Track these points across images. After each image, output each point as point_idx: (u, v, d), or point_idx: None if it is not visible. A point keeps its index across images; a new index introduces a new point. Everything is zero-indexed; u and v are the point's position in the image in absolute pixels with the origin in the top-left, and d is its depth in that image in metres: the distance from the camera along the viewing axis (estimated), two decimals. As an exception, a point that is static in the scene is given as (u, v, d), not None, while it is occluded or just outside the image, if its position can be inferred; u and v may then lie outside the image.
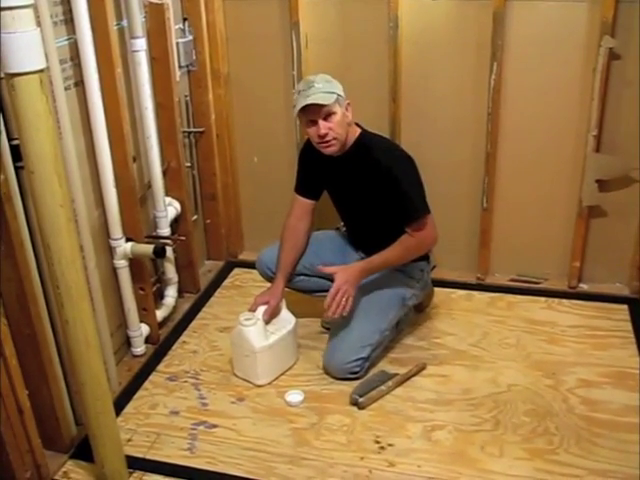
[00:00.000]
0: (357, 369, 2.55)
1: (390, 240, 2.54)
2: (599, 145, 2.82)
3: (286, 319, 2.68)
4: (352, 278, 2.48)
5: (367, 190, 2.57)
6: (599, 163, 2.83)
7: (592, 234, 3.01)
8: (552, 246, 3.10)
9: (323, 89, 2.43)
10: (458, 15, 2.80)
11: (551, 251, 3.11)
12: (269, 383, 2.59)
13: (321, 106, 2.41)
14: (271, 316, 2.63)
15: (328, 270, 2.52)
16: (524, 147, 2.95)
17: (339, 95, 2.46)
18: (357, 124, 2.61)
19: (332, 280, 2.67)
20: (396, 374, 2.56)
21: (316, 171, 2.67)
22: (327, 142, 2.48)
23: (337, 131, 2.48)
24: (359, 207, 2.68)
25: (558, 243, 3.08)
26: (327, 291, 2.72)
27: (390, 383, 2.51)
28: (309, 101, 2.42)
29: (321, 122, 2.44)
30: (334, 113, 2.45)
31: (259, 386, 2.59)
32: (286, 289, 2.76)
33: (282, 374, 2.64)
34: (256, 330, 2.54)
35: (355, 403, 2.45)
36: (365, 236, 2.74)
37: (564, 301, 3.03)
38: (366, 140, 2.58)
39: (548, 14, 2.71)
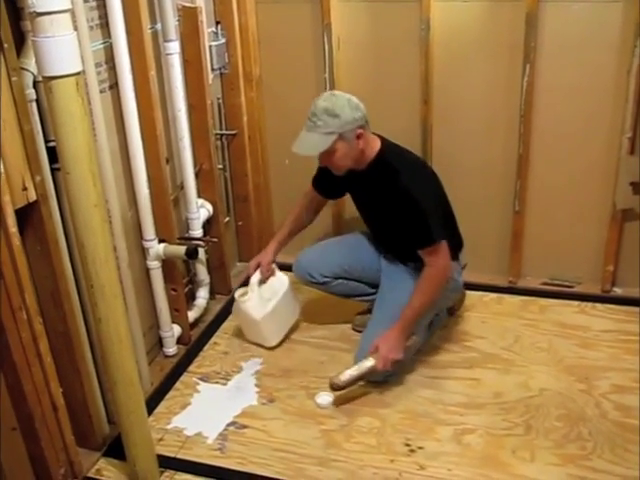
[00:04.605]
0: (390, 372, 2.54)
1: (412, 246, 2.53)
2: (633, 147, 2.79)
3: (280, 282, 2.83)
4: (394, 343, 2.44)
5: (384, 207, 2.51)
6: (633, 166, 2.80)
7: (626, 238, 2.97)
8: (585, 249, 3.07)
9: (322, 128, 2.32)
10: (490, 17, 2.79)
11: (584, 254, 3.08)
12: (279, 344, 2.82)
13: None
14: (264, 275, 2.78)
15: (372, 349, 2.46)
16: (556, 150, 2.92)
17: (342, 132, 2.33)
18: (380, 137, 2.53)
19: (370, 284, 2.71)
20: None
21: (333, 178, 2.57)
22: (331, 169, 2.47)
23: (339, 164, 2.43)
24: (378, 218, 2.66)
25: (591, 246, 3.04)
26: (364, 295, 2.76)
27: (369, 363, 2.44)
28: (297, 149, 2.37)
29: (320, 156, 2.41)
30: (334, 150, 2.36)
31: (270, 348, 2.81)
32: (322, 292, 2.84)
33: (289, 332, 2.88)
34: (252, 303, 2.74)
35: (331, 385, 2.43)
36: (388, 241, 2.71)
37: (597, 305, 2.99)
38: (386, 158, 2.47)
39: (582, 15, 2.69)
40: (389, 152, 2.49)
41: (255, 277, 2.78)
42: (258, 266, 2.79)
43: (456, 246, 2.67)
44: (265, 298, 2.77)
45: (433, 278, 2.46)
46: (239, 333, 2.95)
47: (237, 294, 2.80)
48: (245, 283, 2.88)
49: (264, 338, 2.82)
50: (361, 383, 2.55)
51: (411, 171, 2.47)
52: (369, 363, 2.44)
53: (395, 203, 2.43)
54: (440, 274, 2.47)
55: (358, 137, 2.37)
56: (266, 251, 2.82)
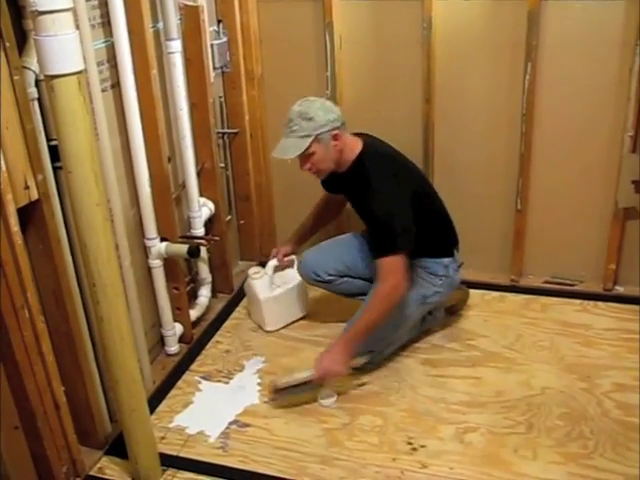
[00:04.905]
0: (366, 361, 2.58)
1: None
2: (635, 146, 2.78)
3: (295, 275, 2.95)
4: (337, 357, 2.41)
5: (360, 208, 2.58)
6: (635, 164, 2.80)
7: (628, 236, 2.97)
8: (587, 248, 3.06)
9: (298, 132, 2.39)
10: (492, 15, 2.78)
11: (586, 253, 3.08)
12: (277, 330, 2.92)
13: None
14: (280, 262, 2.92)
15: (317, 361, 2.44)
16: (558, 148, 2.92)
17: (317, 135, 2.38)
18: (365, 137, 2.55)
19: (371, 280, 2.68)
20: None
21: (330, 177, 2.62)
22: (312, 173, 2.52)
23: (318, 167, 2.47)
24: (363, 218, 2.67)
25: (593, 245, 3.04)
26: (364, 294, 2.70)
27: (310, 372, 2.42)
28: (276, 154, 2.46)
29: (300, 160, 2.46)
30: (312, 153, 2.41)
31: (267, 331, 2.91)
32: (327, 291, 2.87)
33: (291, 323, 2.95)
34: (262, 283, 2.89)
35: (271, 387, 2.46)
36: None
37: (599, 303, 2.99)
38: (364, 160, 2.49)
39: (583, 13, 2.68)
40: (368, 154, 2.51)
41: (273, 262, 2.92)
42: (276, 254, 2.94)
43: (449, 244, 2.68)
44: (275, 284, 2.92)
45: (383, 297, 2.42)
46: (241, 331, 2.96)
47: (251, 271, 2.95)
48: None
49: (263, 320, 2.93)
50: (364, 380, 2.57)
51: (384, 175, 2.45)
52: (310, 372, 2.43)
53: (365, 206, 2.49)
54: (390, 293, 2.41)
55: (334, 138, 2.42)
56: (287, 242, 2.97)
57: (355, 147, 2.51)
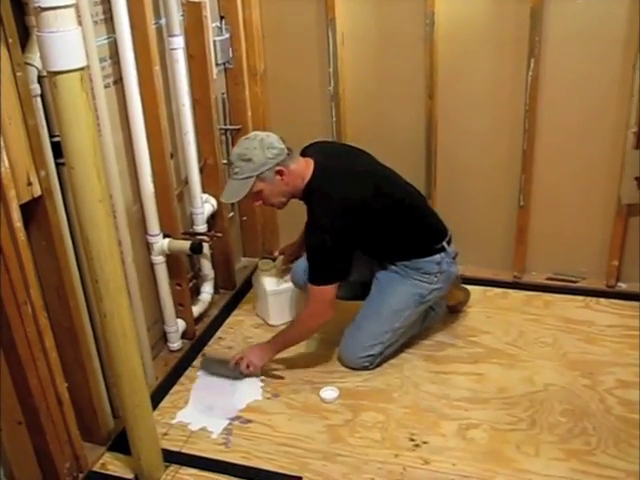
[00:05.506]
0: (366, 364, 2.61)
1: (384, 250, 2.63)
2: (639, 142, 2.78)
3: None
4: (261, 354, 2.56)
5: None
6: (638, 160, 2.79)
7: (631, 232, 2.96)
8: (590, 244, 3.06)
9: (239, 174, 2.39)
10: (495, 11, 2.78)
11: (589, 249, 3.07)
12: (280, 325, 2.86)
13: None
14: (286, 261, 2.95)
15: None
16: (561, 144, 2.92)
17: (258, 175, 2.38)
18: (320, 152, 2.54)
19: (366, 285, 2.69)
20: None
21: None
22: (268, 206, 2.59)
23: (270, 201, 2.50)
24: None
25: (596, 241, 3.03)
26: (358, 297, 2.73)
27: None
28: (222, 198, 2.54)
29: (251, 198, 2.49)
30: (259, 191, 2.43)
31: (271, 326, 2.91)
32: None
33: None
34: (269, 275, 2.96)
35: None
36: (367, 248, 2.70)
37: (602, 300, 2.99)
38: (313, 186, 2.46)
39: (587, 9, 2.67)
40: (317, 179, 2.47)
41: (281, 258, 3.00)
42: (283, 253, 3.01)
43: (437, 239, 2.62)
44: (283, 279, 2.95)
45: (304, 320, 2.57)
46: (243, 328, 2.97)
47: (261, 262, 3.04)
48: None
49: (267, 314, 2.96)
50: (366, 377, 2.57)
51: (327, 205, 2.43)
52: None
53: (307, 232, 2.55)
54: (310, 319, 2.54)
55: (279, 174, 2.41)
56: (293, 242, 2.98)
57: (306, 173, 2.47)
